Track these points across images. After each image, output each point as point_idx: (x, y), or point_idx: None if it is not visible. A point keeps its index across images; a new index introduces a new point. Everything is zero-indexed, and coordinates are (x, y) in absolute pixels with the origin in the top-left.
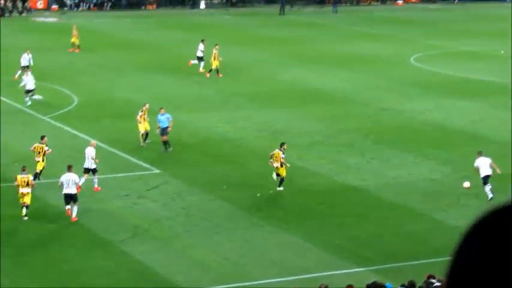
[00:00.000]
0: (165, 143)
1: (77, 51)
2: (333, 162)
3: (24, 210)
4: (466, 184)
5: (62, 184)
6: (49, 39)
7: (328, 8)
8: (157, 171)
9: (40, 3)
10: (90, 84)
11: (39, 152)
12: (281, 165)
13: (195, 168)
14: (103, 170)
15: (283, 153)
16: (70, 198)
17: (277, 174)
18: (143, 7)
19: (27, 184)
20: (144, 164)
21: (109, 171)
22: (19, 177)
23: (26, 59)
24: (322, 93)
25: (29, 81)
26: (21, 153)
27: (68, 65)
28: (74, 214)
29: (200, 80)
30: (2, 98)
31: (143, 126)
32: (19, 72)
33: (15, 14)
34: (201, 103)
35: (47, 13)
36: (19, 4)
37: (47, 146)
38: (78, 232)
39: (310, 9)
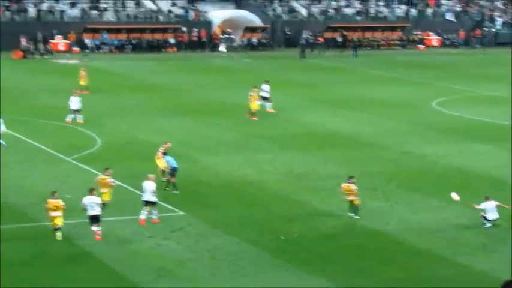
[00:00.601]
0: (174, 184)
1: (86, 92)
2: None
3: (58, 233)
4: (455, 196)
5: (85, 206)
6: (70, 81)
7: (349, 52)
8: (182, 213)
9: (61, 46)
10: (112, 126)
11: (104, 184)
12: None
13: (218, 211)
14: (127, 211)
15: (355, 185)
16: (94, 220)
17: (352, 206)
18: (164, 50)
19: (57, 208)
20: (168, 206)
21: (133, 212)
22: (50, 201)
23: (74, 102)
24: (344, 137)
25: (75, 101)
26: (45, 193)
27: (90, 107)
28: (98, 232)
29: (221, 123)
30: (25, 138)
31: (162, 163)
32: (71, 116)
33: (37, 55)
34: (222, 146)
35: (68, 55)
36: (41, 46)
37: (111, 178)
38: (104, 273)
39: (331, 53)
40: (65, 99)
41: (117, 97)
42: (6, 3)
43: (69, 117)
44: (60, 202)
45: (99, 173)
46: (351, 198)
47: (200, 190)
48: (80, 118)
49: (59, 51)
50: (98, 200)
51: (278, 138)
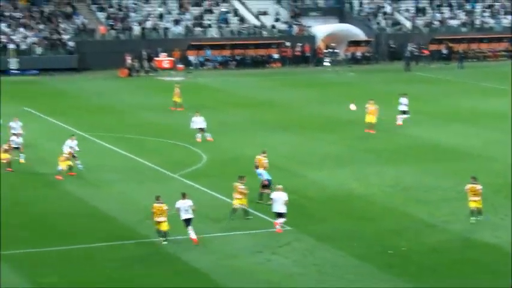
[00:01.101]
0: (266, 195)
1: (180, 109)
2: (465, 219)
3: (162, 238)
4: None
5: (178, 210)
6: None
7: (454, 64)
8: (288, 228)
9: (166, 63)
10: (217, 142)
11: (161, 213)
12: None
13: (325, 225)
14: (235, 227)
15: (480, 185)
16: (188, 222)
17: (475, 210)
18: (267, 65)
19: (162, 213)
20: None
21: (241, 228)
22: (156, 206)
23: (198, 121)
24: (451, 149)
25: (199, 121)
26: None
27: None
28: (194, 236)
29: (326, 137)
30: (131, 155)
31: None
32: (199, 135)
33: (142, 73)
34: (327, 160)
35: (172, 72)
36: (145, 64)
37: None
38: None
39: (436, 65)
40: (172, 116)
41: (222, 113)
42: (111, 22)
43: (198, 137)
44: (164, 206)
45: (206, 189)
46: (475, 199)
47: (306, 204)
48: (208, 136)
49: (164, 69)
50: (190, 202)
51: (384, 151)
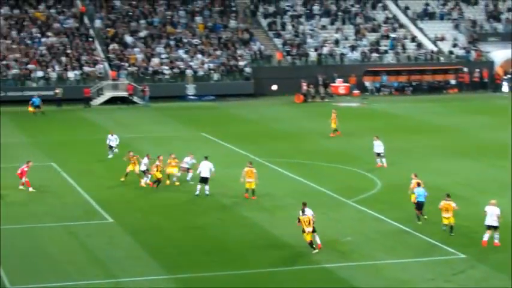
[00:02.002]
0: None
1: (337, 133)
2: None
3: (314, 250)
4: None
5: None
6: (350, 124)
7: None
8: (463, 256)
9: (342, 89)
10: (393, 168)
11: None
12: None
13: (501, 254)
14: (409, 254)
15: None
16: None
17: None
18: (444, 91)
19: (309, 223)
20: (449, 249)
21: (414, 255)
22: (301, 218)
23: (378, 145)
24: None
25: (377, 145)
26: (328, 235)
27: (370, 150)
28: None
29: (505, 164)
30: (306, 181)
31: (413, 197)
32: (378, 160)
33: (317, 99)
34: (506, 188)
35: (348, 98)
36: (321, 89)
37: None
38: None
39: None
40: (347, 142)
41: (397, 139)
42: (288, 48)
43: (378, 162)
44: (311, 218)
45: (379, 215)
46: None
47: (482, 232)
48: (384, 162)
49: (340, 95)
50: (311, 212)
51: None
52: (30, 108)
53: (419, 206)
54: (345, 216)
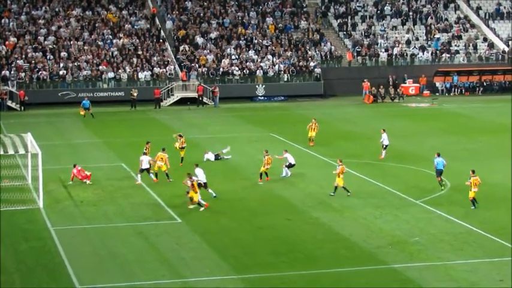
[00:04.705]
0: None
1: (311, 144)
2: None
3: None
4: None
5: None
6: (421, 124)
7: None
8: None
9: (412, 89)
10: (462, 169)
11: None
12: None
13: None
14: (476, 255)
15: None
16: None
17: None
18: None
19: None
20: None
21: (483, 255)
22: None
23: (385, 139)
24: None
25: (385, 138)
26: (396, 235)
27: (438, 150)
28: None
29: None
30: (373, 181)
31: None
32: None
33: (387, 99)
34: None
35: (419, 98)
36: (391, 90)
37: None
38: None
39: None
40: (415, 142)
41: (468, 139)
42: (358, 49)
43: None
44: None
45: (448, 216)
46: None
47: None
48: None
49: (410, 95)
50: None
51: None
52: (82, 112)
53: (438, 173)
54: (413, 217)
